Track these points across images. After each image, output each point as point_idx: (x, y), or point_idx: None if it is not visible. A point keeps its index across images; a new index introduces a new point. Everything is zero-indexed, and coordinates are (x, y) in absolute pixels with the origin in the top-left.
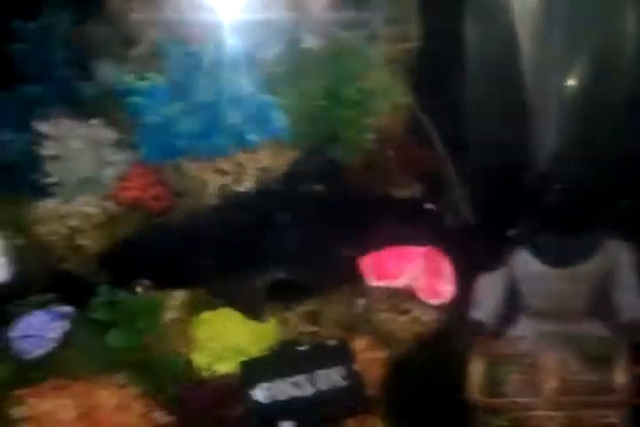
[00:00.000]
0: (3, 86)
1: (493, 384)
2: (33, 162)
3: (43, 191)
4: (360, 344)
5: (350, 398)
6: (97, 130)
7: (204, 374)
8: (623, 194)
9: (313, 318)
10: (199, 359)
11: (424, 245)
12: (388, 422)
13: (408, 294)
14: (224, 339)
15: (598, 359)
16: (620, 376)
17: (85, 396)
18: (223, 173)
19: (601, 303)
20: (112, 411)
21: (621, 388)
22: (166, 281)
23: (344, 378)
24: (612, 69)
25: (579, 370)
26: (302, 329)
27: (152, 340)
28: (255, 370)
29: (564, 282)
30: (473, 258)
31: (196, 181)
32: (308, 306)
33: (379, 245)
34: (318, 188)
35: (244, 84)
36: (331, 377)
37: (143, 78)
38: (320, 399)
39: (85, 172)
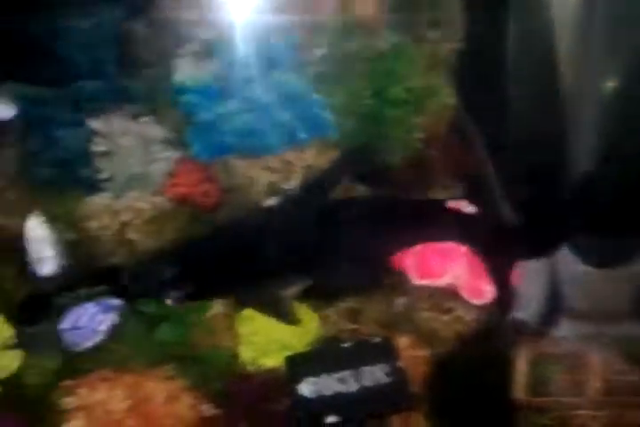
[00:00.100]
0: (55, 83)
1: (537, 383)
2: (84, 158)
3: (94, 187)
4: (403, 342)
5: (394, 395)
6: (147, 127)
7: (250, 368)
8: None
9: (353, 315)
10: (245, 354)
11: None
12: (432, 420)
13: (451, 293)
14: (268, 334)
15: None
16: None
17: (135, 387)
18: (272, 170)
19: None
20: (162, 403)
21: None
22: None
23: (388, 375)
24: None
25: (622, 370)
26: (342, 326)
27: (199, 334)
28: (301, 365)
29: (608, 283)
30: (515, 259)
31: (245, 178)
32: (348, 303)
33: (418, 244)
34: (361, 186)
35: (294, 84)
36: (375, 374)
37: (194, 77)
38: (364, 396)
39: (135, 168)
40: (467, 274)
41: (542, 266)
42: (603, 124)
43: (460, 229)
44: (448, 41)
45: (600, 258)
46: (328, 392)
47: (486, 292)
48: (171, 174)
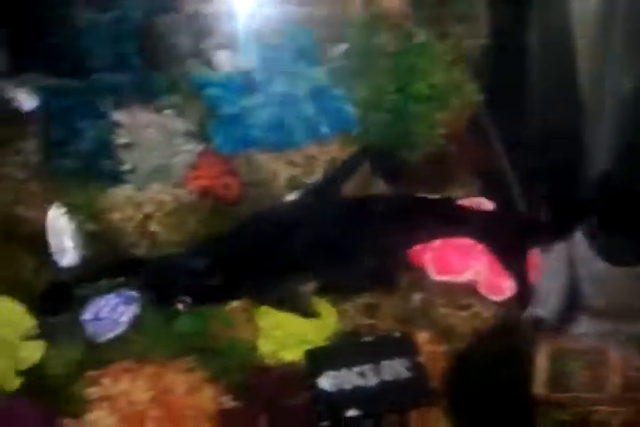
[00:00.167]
0: (78, 75)
1: (557, 379)
2: (107, 150)
3: (116, 178)
4: (422, 337)
5: (414, 389)
6: (170, 120)
7: (269, 361)
8: None
9: (370, 310)
10: (264, 347)
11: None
12: (451, 415)
13: (469, 290)
14: (287, 327)
15: None
16: None
17: (156, 379)
18: (294, 164)
19: None
20: (183, 394)
21: None
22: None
23: (408, 370)
24: None
25: None
26: (360, 321)
27: (218, 326)
28: (320, 359)
29: (627, 281)
30: (532, 256)
31: (267, 172)
32: (365, 299)
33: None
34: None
35: (318, 78)
36: (395, 368)
37: (218, 70)
38: (385, 390)
39: (158, 160)
40: (487, 271)
41: (561, 263)
42: (623, 122)
43: (475, 226)
44: (472, 37)
45: (620, 256)
46: (348, 386)
47: (506, 288)
48: (193, 167)
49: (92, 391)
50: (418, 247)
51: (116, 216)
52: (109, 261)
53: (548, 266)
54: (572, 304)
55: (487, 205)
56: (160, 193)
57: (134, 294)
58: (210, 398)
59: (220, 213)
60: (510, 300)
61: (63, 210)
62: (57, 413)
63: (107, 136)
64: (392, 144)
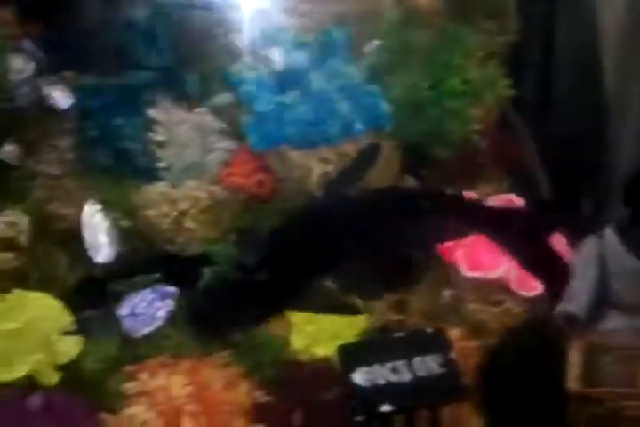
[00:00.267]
0: (113, 73)
1: (590, 374)
2: (142, 147)
3: (151, 175)
4: (453, 334)
5: (447, 385)
6: (204, 117)
7: (302, 356)
8: None
9: (400, 306)
10: (297, 342)
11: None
12: (483, 411)
13: (501, 286)
14: (319, 323)
15: None
16: None
17: (193, 374)
18: (327, 161)
19: None
20: (220, 389)
21: None
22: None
23: (441, 366)
24: None
25: None
26: (389, 318)
27: None
28: (353, 354)
29: None
30: (562, 253)
31: (300, 169)
32: (394, 295)
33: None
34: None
35: (351, 74)
36: (428, 364)
37: (251, 68)
38: (418, 386)
39: (192, 158)
40: (518, 267)
41: (591, 259)
42: None
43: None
44: (504, 33)
45: None
46: (382, 382)
47: (537, 285)
48: (226, 164)
49: (130, 386)
50: (449, 244)
51: (151, 213)
52: (144, 258)
53: (578, 262)
54: (602, 300)
55: (517, 201)
56: (195, 190)
57: (169, 289)
58: (245, 393)
59: (253, 210)
60: (541, 296)
61: (98, 207)
62: (95, 408)
63: (142, 133)
64: (425, 141)
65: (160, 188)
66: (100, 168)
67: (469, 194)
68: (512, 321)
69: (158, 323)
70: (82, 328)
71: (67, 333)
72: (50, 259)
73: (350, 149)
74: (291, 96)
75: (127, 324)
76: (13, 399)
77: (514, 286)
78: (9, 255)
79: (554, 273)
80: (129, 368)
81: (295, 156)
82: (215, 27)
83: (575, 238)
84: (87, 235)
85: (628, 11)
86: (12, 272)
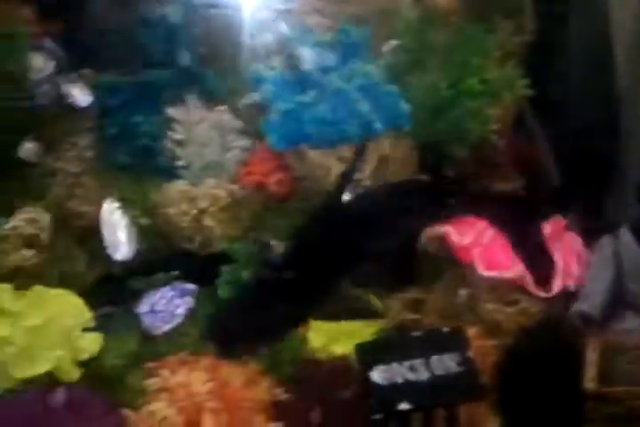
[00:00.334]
0: (133, 71)
1: (608, 373)
2: (162, 145)
3: (171, 174)
4: (470, 333)
5: (465, 384)
6: (223, 116)
7: (320, 355)
8: None
9: (416, 305)
10: (314, 341)
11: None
12: (500, 410)
13: (517, 285)
14: (337, 321)
15: None
16: None
17: (212, 371)
18: (345, 160)
19: None
20: (240, 387)
21: None
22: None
23: (459, 364)
24: None
25: None
26: (405, 316)
27: None
28: (371, 353)
29: None
30: (578, 251)
31: (318, 167)
32: (410, 294)
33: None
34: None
35: (371, 74)
36: (445, 363)
37: (271, 67)
38: (436, 384)
39: (211, 156)
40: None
41: (606, 259)
42: None
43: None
44: (520, 33)
45: None
46: (400, 380)
47: (553, 285)
48: (245, 163)
49: (151, 383)
50: (466, 243)
51: (170, 211)
52: (163, 255)
53: (593, 262)
54: (618, 300)
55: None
56: (214, 188)
57: (188, 287)
58: (265, 390)
59: (272, 209)
60: (558, 296)
61: (117, 204)
62: (116, 404)
63: (161, 132)
64: (443, 140)
65: (180, 186)
66: (119, 166)
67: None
68: (528, 321)
69: (178, 320)
70: (101, 325)
71: (87, 329)
72: (69, 256)
73: (369, 148)
74: (311, 95)
75: (147, 321)
76: (35, 396)
77: (530, 286)
78: (30, 252)
79: (538, 258)
80: (149, 365)
81: (314, 155)
82: (236, 26)
83: (591, 239)
84: (106, 232)
85: None
86: (33, 269)
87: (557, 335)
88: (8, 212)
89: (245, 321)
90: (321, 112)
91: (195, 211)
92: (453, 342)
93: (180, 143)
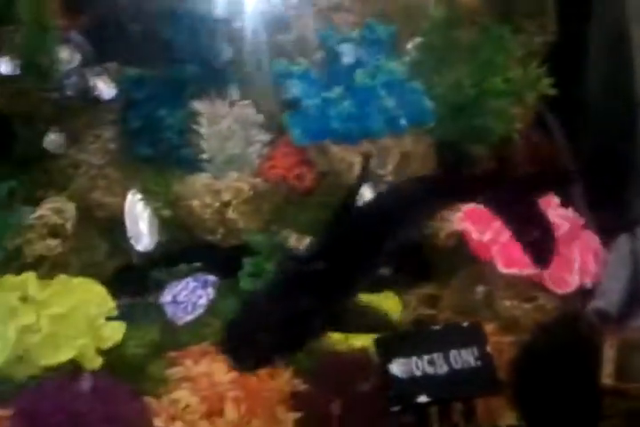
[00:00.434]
0: (158, 65)
1: (625, 369)
2: (185, 138)
3: (194, 166)
4: (487, 328)
5: (483, 378)
6: (246, 110)
7: (340, 347)
8: None
9: (433, 301)
10: (334, 333)
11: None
12: (516, 405)
13: (534, 282)
14: None
15: None
16: None
17: None
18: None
19: None
20: (262, 377)
21: None
22: None
23: (477, 359)
24: None
25: None
26: (422, 312)
27: None
28: (390, 346)
29: None
30: (595, 249)
31: (341, 162)
32: (426, 289)
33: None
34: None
35: (396, 71)
36: (464, 357)
37: (297, 63)
38: (454, 378)
39: (234, 150)
40: (553, 264)
41: (623, 257)
42: None
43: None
44: (543, 33)
45: None
46: (418, 373)
47: (570, 282)
48: (268, 157)
49: (174, 372)
50: (485, 240)
51: (194, 203)
52: (185, 247)
53: (610, 260)
54: (635, 298)
55: (553, 200)
56: (237, 181)
57: (210, 278)
58: (286, 381)
59: (294, 203)
60: (575, 292)
61: (140, 196)
62: (137, 392)
63: (185, 125)
64: (465, 138)
65: (203, 179)
66: (143, 158)
67: None
68: (545, 317)
69: (199, 311)
70: (124, 314)
71: (110, 318)
72: (92, 246)
73: (391, 143)
74: (336, 91)
75: (169, 311)
76: (61, 382)
77: (548, 283)
78: (55, 242)
79: (539, 235)
80: (171, 354)
81: (336, 150)
82: (261, 22)
83: (608, 237)
84: (129, 224)
85: None
86: (57, 258)
87: (574, 332)
88: (33, 202)
89: (263, 330)
90: (346, 108)
91: (218, 203)
92: (472, 336)
93: (203, 137)
